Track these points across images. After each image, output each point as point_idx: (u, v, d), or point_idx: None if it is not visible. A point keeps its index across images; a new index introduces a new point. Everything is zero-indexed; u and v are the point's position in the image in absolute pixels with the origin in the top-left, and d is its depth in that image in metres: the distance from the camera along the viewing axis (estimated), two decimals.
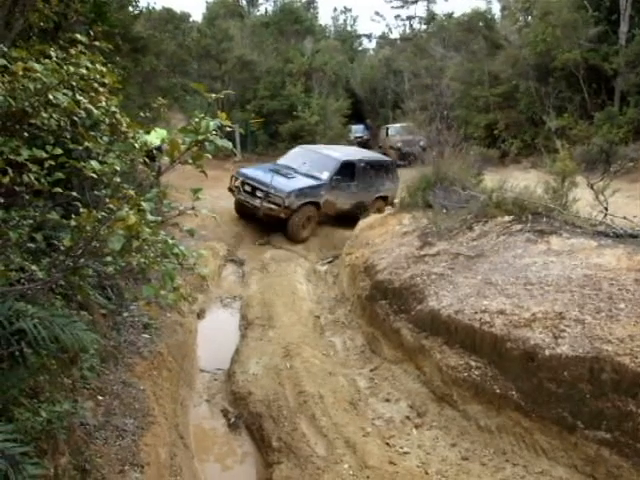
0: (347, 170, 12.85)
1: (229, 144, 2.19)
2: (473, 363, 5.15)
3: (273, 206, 11.52)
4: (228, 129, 2.46)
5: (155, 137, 11.36)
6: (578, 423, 4.21)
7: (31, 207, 2.71)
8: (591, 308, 4.69)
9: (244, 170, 12.90)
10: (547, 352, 4.49)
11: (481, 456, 4.72)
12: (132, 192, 1.93)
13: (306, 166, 12.83)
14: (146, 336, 6.54)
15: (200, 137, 2.00)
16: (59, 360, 4.01)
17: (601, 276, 5.12)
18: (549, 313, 4.83)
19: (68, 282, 2.65)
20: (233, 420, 5.96)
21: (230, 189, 12.66)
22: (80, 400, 4.44)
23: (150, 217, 2.01)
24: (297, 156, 13.64)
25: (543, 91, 19.48)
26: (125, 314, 6.74)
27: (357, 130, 30.18)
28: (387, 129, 24.69)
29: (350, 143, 24.37)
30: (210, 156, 2.19)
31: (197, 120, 2.06)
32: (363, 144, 29.56)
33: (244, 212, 12.64)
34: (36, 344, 2.78)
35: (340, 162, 12.74)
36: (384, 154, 24.21)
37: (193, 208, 2.53)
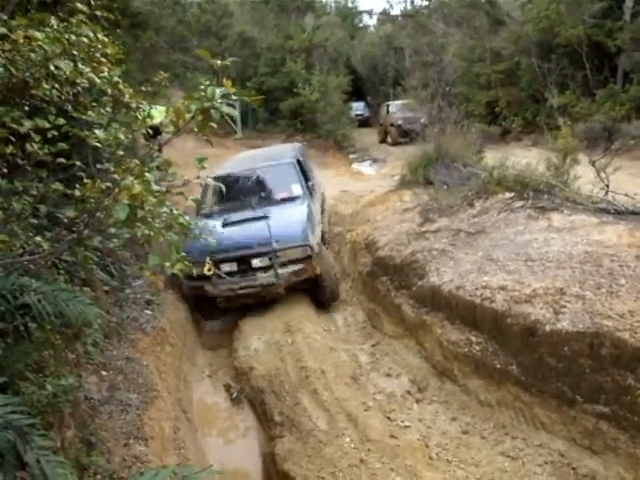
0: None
1: (235, 112, 2.17)
2: (474, 338, 5.19)
3: (297, 267, 7.08)
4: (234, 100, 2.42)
5: (157, 114, 11.25)
6: (577, 397, 4.25)
7: (35, 178, 2.71)
8: (592, 284, 4.70)
9: (194, 247, 6.56)
10: (547, 327, 4.51)
11: (481, 430, 4.77)
12: (136, 162, 1.92)
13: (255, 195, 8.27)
14: (149, 312, 6.60)
15: (206, 104, 1.98)
16: (63, 335, 4.05)
17: (602, 252, 5.12)
18: (550, 289, 4.84)
19: (72, 254, 2.64)
20: (235, 395, 6.04)
21: (196, 288, 7.33)
22: (84, 375, 4.51)
23: (155, 187, 2.00)
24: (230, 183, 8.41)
25: (545, 68, 19.25)
26: (128, 291, 6.79)
27: (357, 108, 30.04)
28: (388, 106, 24.50)
29: (351, 120, 24.27)
30: (215, 125, 2.16)
31: (203, 87, 2.04)
32: (364, 121, 29.47)
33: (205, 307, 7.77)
34: (40, 319, 2.81)
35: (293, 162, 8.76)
36: (384, 132, 24.19)
37: (199, 177, 2.52)
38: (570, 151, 7.48)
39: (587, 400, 4.18)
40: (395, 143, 21.99)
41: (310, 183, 8.47)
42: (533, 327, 4.63)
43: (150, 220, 2.06)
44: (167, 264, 2.27)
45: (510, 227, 6.39)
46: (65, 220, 2.30)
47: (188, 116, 1.99)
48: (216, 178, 8.12)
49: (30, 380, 3.06)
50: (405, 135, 20.41)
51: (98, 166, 2.37)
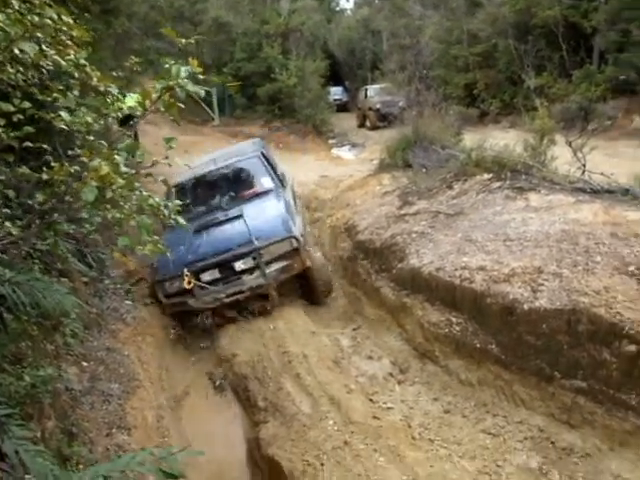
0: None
1: (201, 91, 2.13)
2: (454, 319, 5.24)
3: (284, 263, 6.58)
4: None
5: (131, 101, 11.05)
6: (555, 373, 4.32)
7: (1, 163, 2.65)
8: (568, 262, 4.76)
9: (166, 261, 6.28)
10: (526, 306, 4.57)
11: (462, 409, 4.83)
12: (103, 143, 1.89)
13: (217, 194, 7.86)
14: (129, 302, 6.55)
15: (171, 82, 1.94)
16: (41, 327, 4.01)
17: (578, 231, 5.18)
18: (528, 268, 4.90)
19: (43, 240, 2.60)
20: (219, 382, 6.03)
21: (178, 305, 6.75)
22: (64, 366, 4.46)
23: (124, 168, 1.96)
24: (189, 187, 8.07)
25: (522, 50, 19.31)
26: (107, 282, 6.72)
27: (335, 92, 29.86)
28: (366, 90, 24.41)
29: (329, 105, 24.14)
30: (182, 105, 2.13)
31: (167, 66, 2.00)
32: (342, 106, 29.34)
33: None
34: (16, 309, 2.77)
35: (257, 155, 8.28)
36: (363, 116, 24.12)
37: (167, 157, 2.47)
38: (547, 132, 7.53)
39: (565, 376, 4.26)
40: (374, 127, 21.94)
41: (279, 173, 8.01)
42: (512, 306, 4.69)
43: (121, 203, 2.02)
44: (148, 248, 2.25)
45: (488, 208, 6.44)
46: (36, 206, 2.26)
47: (155, 96, 1.96)
48: (178, 185, 7.84)
49: (7, 372, 3.03)
50: (384, 119, 20.36)
51: (69, 152, 2.33)
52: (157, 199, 2.47)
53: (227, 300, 6.49)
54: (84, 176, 1.81)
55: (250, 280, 6.51)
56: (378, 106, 21.84)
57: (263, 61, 22.65)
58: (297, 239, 6.55)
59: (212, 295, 6.50)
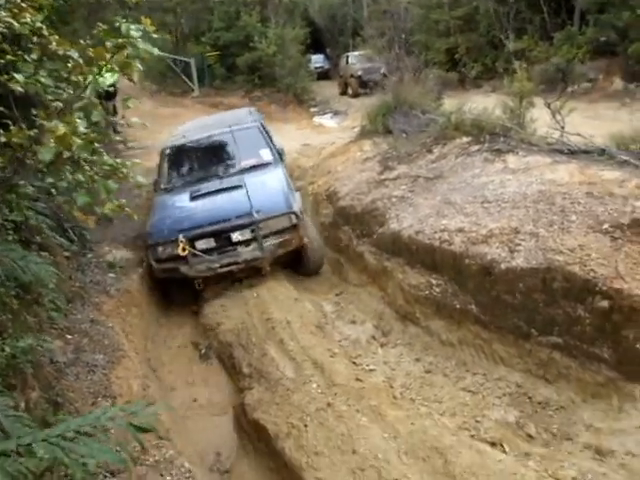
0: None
1: (154, 49, 2.11)
2: (434, 281, 5.31)
3: (282, 238, 6.48)
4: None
5: (109, 77, 10.87)
6: (532, 331, 4.42)
7: None
8: (545, 222, 4.83)
9: (160, 225, 6.74)
10: (503, 266, 4.65)
11: (443, 368, 4.94)
12: (59, 104, 1.87)
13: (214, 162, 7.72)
14: (112, 275, 6.55)
15: (120, 40, 1.93)
16: (21, 299, 4.01)
17: (555, 191, 5.25)
18: (505, 229, 4.96)
19: (7, 205, 2.59)
20: (204, 351, 6.08)
21: (169, 271, 6.64)
22: (49, 339, 4.47)
23: (82, 129, 1.96)
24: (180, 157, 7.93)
25: (503, 12, 19.17)
26: (89, 255, 6.71)
27: (317, 60, 29.53)
28: (347, 57, 24.17)
29: (310, 73, 23.88)
30: (140, 66, 2.11)
31: (117, 24, 1.98)
32: (324, 74, 29.04)
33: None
34: None
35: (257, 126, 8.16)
36: (345, 83, 23.90)
37: (123, 117, 2.46)
38: (526, 94, 7.54)
39: (541, 333, 4.36)
40: (355, 95, 21.78)
41: (278, 147, 7.85)
42: (490, 266, 4.77)
43: (85, 166, 2.02)
44: (107, 208, 2.25)
45: (467, 171, 6.48)
46: None
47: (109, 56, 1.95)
48: (173, 148, 7.82)
49: None
50: (365, 86, 20.22)
51: (31, 118, 2.30)
52: (117, 160, 2.47)
53: (221, 270, 6.41)
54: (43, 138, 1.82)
55: (246, 252, 6.43)
56: (359, 73, 21.66)
57: (242, 30, 22.25)
58: (297, 215, 6.50)
59: (206, 264, 6.41)
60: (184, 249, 6.29)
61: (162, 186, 7.59)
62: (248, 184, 6.77)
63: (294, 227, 6.48)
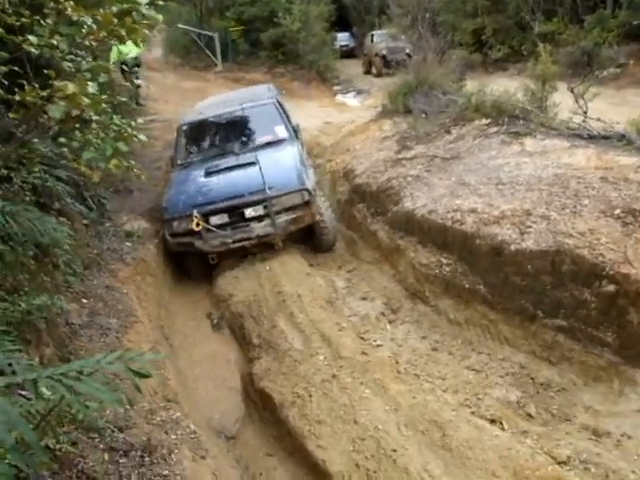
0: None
1: (159, 17, 2.16)
2: (444, 260, 5.35)
3: (294, 215, 6.54)
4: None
5: (125, 49, 10.89)
6: (538, 313, 4.45)
7: None
8: (557, 205, 4.82)
9: (176, 200, 6.87)
10: (513, 247, 4.67)
11: (449, 347, 4.99)
12: (69, 65, 1.94)
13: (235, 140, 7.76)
14: (129, 244, 6.67)
15: (125, 5, 1.98)
16: (39, 261, 4.14)
17: (570, 175, 5.22)
18: (517, 211, 4.97)
19: (19, 161, 2.67)
20: (216, 321, 6.21)
21: (184, 245, 6.76)
22: (63, 299, 4.61)
23: (91, 89, 2.02)
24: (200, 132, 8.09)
25: None
26: (107, 224, 6.84)
27: (342, 38, 29.21)
28: (372, 36, 23.89)
29: (334, 51, 23.69)
30: (148, 32, 2.16)
31: None
32: (349, 52, 28.77)
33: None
34: (9, 239, 2.88)
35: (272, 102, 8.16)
36: (369, 62, 23.67)
37: (137, 78, 2.51)
38: (548, 77, 7.44)
39: (547, 315, 4.39)
40: (379, 74, 21.54)
41: (294, 124, 7.88)
42: (500, 247, 4.79)
43: (91, 124, 2.09)
44: (112, 164, 2.31)
45: (484, 152, 6.46)
46: (14, 133, 2.33)
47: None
48: (190, 124, 7.94)
49: (4, 299, 3.16)
50: (389, 66, 20.01)
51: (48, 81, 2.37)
52: (123, 120, 2.54)
53: (234, 245, 6.50)
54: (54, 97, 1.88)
55: (259, 228, 6.49)
56: (384, 52, 21.41)
57: (266, 5, 22.08)
58: (310, 192, 6.53)
59: (219, 239, 6.51)
60: (198, 224, 6.40)
61: (178, 162, 7.69)
62: (262, 161, 6.76)
63: (306, 204, 6.52)
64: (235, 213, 6.52)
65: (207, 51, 22.46)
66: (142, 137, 2.74)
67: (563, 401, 4.00)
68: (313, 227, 6.80)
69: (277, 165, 6.82)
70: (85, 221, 6.27)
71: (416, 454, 3.51)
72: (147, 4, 2.02)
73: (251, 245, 6.55)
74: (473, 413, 4.01)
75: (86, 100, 1.95)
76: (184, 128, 7.96)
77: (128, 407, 3.19)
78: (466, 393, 4.34)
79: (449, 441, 3.55)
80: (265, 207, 6.44)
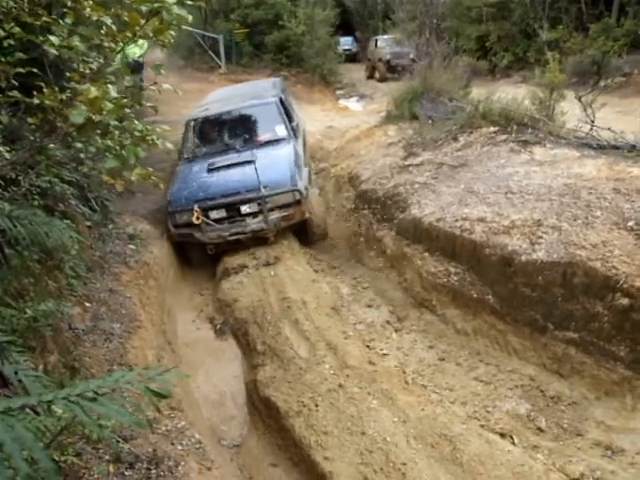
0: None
1: (188, 16, 2.11)
2: (452, 269, 5.29)
3: (286, 212, 6.91)
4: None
5: (138, 48, 10.84)
6: (549, 325, 4.40)
7: None
8: (568, 216, 4.77)
9: (179, 195, 7.27)
10: (523, 258, 4.61)
11: (456, 357, 4.93)
12: (92, 67, 1.89)
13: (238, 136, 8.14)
14: (132, 247, 6.62)
15: (156, 5, 1.92)
16: (44, 265, 4.08)
17: (581, 185, 5.17)
18: (527, 221, 4.92)
19: (33, 167, 2.62)
20: (219, 326, 6.14)
21: (184, 236, 7.20)
22: (68, 306, 4.54)
23: (113, 93, 1.97)
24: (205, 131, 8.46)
25: (538, 1, 18.75)
26: (110, 226, 6.79)
27: (346, 42, 29.21)
28: (376, 41, 23.88)
29: (338, 55, 23.66)
30: (173, 33, 2.11)
31: None
32: (352, 57, 28.75)
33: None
34: (16, 243, 2.82)
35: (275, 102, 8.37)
36: (372, 67, 23.65)
37: (155, 83, 2.47)
38: (556, 86, 7.41)
39: (558, 327, 4.33)
40: (383, 79, 21.53)
41: (294, 123, 8.25)
42: (509, 257, 4.73)
43: (114, 131, 2.04)
44: (135, 173, 2.26)
45: (492, 160, 6.41)
46: (28, 135, 2.27)
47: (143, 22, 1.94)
48: (197, 119, 8.37)
49: (10, 305, 3.10)
50: (393, 71, 19.99)
51: (63, 83, 2.31)
52: (148, 127, 2.48)
53: (230, 238, 6.94)
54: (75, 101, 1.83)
55: (253, 223, 6.91)
56: (388, 57, 21.41)
57: (271, 8, 22.06)
58: (300, 192, 6.91)
59: (217, 232, 6.95)
60: (198, 218, 6.87)
61: (185, 155, 8.14)
62: (259, 159, 7.12)
63: (298, 202, 6.93)
64: (232, 209, 6.99)
65: (211, 53, 22.42)
66: (169, 145, 2.69)
67: (574, 415, 3.93)
68: (304, 222, 7.22)
69: (273, 165, 7.21)
70: (88, 223, 6.21)
71: (426, 468, 3.44)
72: (174, 3, 1.97)
73: (246, 239, 6.98)
74: (483, 426, 3.94)
75: (109, 105, 1.90)
76: (191, 123, 8.38)
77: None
78: (475, 405, 4.27)
79: (460, 455, 3.48)
80: (259, 204, 6.86)
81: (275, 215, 6.90)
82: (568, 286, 4.28)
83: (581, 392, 4.04)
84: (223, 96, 9.81)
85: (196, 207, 6.86)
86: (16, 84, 2.37)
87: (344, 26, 28.56)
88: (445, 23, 18.75)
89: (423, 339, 5.27)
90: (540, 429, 3.93)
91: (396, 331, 5.47)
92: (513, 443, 3.73)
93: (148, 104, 2.54)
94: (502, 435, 3.83)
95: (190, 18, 2.07)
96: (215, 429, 4.66)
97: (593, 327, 4.06)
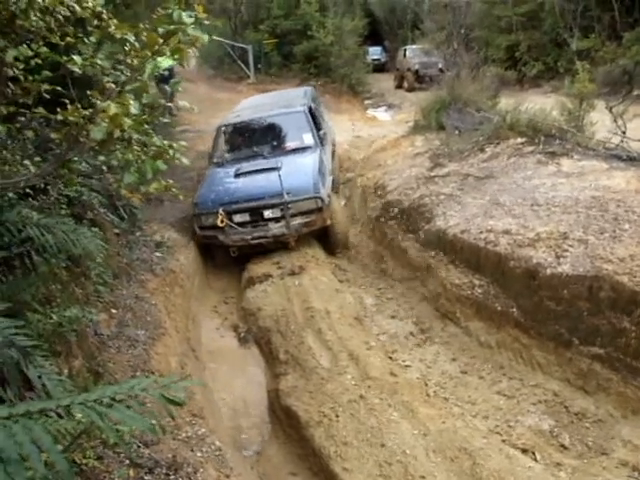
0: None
1: (205, 36, 2.16)
2: (477, 281, 5.25)
3: (308, 218, 7.03)
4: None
5: (166, 60, 11.04)
6: (574, 339, 4.32)
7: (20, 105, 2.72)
8: (595, 229, 4.70)
9: (206, 198, 7.50)
10: (549, 271, 4.55)
11: (479, 370, 4.88)
12: (112, 85, 1.94)
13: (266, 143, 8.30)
14: (158, 254, 6.72)
15: (172, 27, 1.98)
16: (70, 272, 4.17)
17: (608, 198, 5.09)
18: (553, 233, 4.85)
19: (59, 177, 2.70)
20: (243, 335, 6.18)
21: (209, 238, 7.41)
22: (94, 312, 4.63)
23: (133, 110, 2.03)
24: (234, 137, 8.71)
25: (569, 10, 18.51)
26: (138, 234, 6.90)
27: (374, 52, 29.26)
28: (405, 51, 23.87)
29: (366, 65, 23.73)
30: (192, 52, 2.17)
31: (170, 11, 2.03)
32: (381, 67, 28.79)
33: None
34: (44, 251, 2.90)
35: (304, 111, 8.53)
36: (401, 77, 23.64)
37: (172, 100, 2.52)
38: (586, 96, 7.31)
39: (583, 342, 4.25)
40: (411, 89, 21.50)
41: (321, 132, 8.41)
42: (535, 270, 4.68)
43: (134, 145, 2.09)
44: (152, 187, 2.31)
45: (519, 172, 6.35)
46: (54, 149, 2.35)
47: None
48: (227, 125, 8.64)
49: (37, 311, 3.18)
50: (422, 81, 19.94)
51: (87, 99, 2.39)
52: (165, 142, 2.54)
53: (252, 242, 7.09)
54: (96, 115, 1.89)
55: (275, 228, 7.07)
56: (416, 67, 21.38)
57: (300, 18, 22.30)
58: (322, 199, 7.05)
59: (240, 235, 7.13)
60: (222, 221, 7.07)
61: (214, 160, 8.41)
62: (284, 166, 7.25)
63: (320, 210, 7.08)
64: (255, 213, 7.18)
65: (240, 63, 22.71)
66: (185, 160, 2.75)
67: (599, 433, 3.85)
68: (326, 229, 7.34)
69: (297, 172, 7.34)
70: (116, 230, 6.32)
71: None
72: (192, 24, 2.03)
73: (267, 243, 7.13)
74: (504, 441, 3.89)
75: (129, 121, 1.96)
76: (222, 129, 8.68)
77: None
78: (497, 420, 4.22)
79: (480, 470, 3.44)
80: (282, 210, 7.00)
81: (297, 221, 7.04)
82: (594, 300, 4.21)
83: (607, 409, 3.96)
84: (254, 103, 10.15)
85: (221, 210, 7.06)
86: (45, 99, 2.47)
87: (373, 36, 28.64)
88: (474, 33, 18.64)
89: (446, 351, 5.23)
90: (564, 446, 3.86)
91: (419, 343, 5.43)
92: (535, 459, 3.67)
93: (178, 109, 2.59)
94: (524, 451, 3.77)
95: (206, 37, 2.12)
96: (236, 437, 4.69)
97: (620, 343, 3.98)
